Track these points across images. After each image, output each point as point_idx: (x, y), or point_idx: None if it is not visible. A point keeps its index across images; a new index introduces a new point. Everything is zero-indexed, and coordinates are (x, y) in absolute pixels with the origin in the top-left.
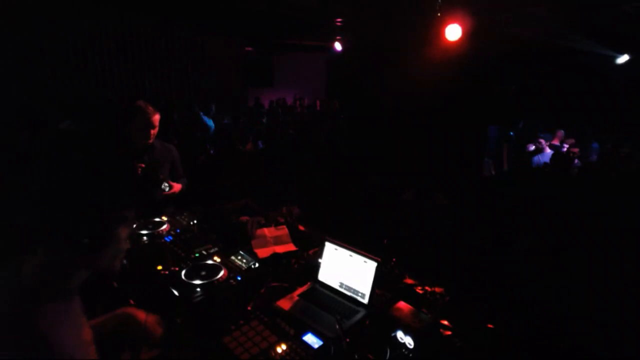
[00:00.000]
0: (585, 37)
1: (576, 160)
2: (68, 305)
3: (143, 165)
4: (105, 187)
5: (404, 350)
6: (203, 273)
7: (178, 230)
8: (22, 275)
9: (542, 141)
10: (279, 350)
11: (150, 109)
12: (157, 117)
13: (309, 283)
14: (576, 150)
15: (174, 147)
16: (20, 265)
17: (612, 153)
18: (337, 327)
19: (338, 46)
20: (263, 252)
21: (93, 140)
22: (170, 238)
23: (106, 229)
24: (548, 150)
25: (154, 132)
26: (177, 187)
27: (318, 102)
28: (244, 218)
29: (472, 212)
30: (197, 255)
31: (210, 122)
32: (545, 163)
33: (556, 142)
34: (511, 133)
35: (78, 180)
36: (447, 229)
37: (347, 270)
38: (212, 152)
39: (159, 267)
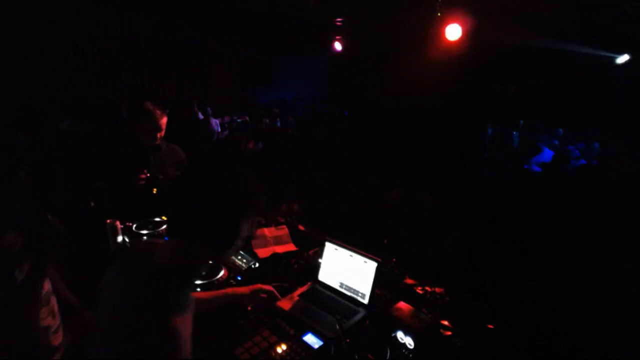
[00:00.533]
0: (585, 37)
1: (582, 160)
2: (189, 297)
3: (145, 175)
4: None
5: (404, 350)
6: (203, 273)
7: None
8: (155, 257)
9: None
10: (279, 350)
11: (158, 112)
12: (164, 120)
13: (309, 283)
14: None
15: (179, 148)
16: (152, 248)
17: (611, 153)
18: (337, 327)
19: (338, 46)
20: (263, 252)
21: (93, 140)
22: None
23: (237, 225)
24: (546, 150)
25: (160, 134)
26: None
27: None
28: None
29: (472, 211)
30: None
31: (217, 127)
32: (543, 163)
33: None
34: (515, 133)
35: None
36: (432, 226)
37: (347, 270)
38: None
39: None
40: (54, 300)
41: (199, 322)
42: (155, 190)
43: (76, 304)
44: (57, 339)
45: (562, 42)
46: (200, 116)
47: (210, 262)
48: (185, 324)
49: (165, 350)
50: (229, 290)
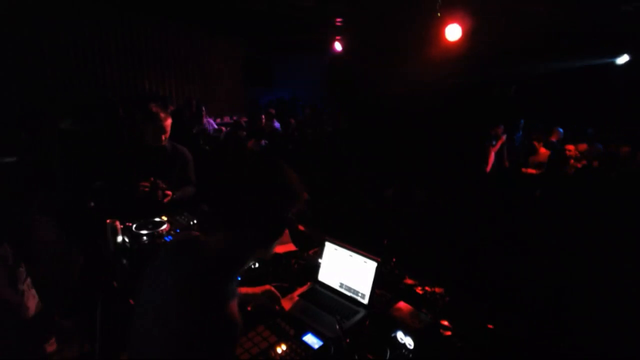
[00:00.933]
0: (585, 37)
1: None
2: (233, 293)
3: (148, 186)
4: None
5: (404, 350)
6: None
7: (178, 230)
8: (205, 250)
9: (536, 143)
10: (279, 350)
11: (162, 115)
12: (169, 122)
13: (309, 283)
14: (572, 147)
15: (186, 149)
16: (198, 242)
17: (611, 153)
18: (337, 327)
19: (338, 46)
20: None
21: (93, 140)
22: (170, 238)
23: (284, 215)
24: (542, 150)
25: (165, 135)
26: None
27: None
28: None
29: (472, 211)
30: None
31: (210, 126)
32: (540, 163)
33: (554, 139)
34: (520, 133)
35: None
36: (430, 225)
37: (347, 270)
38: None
39: None
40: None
41: None
42: (159, 197)
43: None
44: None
45: (562, 42)
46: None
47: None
48: (236, 310)
49: (230, 335)
50: (242, 289)
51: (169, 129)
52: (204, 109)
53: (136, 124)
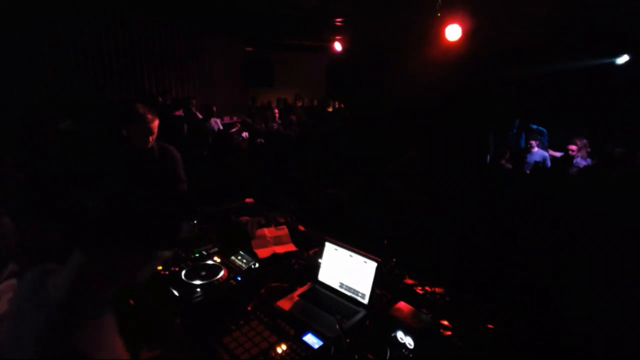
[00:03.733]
0: (585, 37)
1: (588, 160)
2: (102, 322)
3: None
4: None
5: (404, 350)
6: (203, 273)
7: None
8: (50, 289)
9: (533, 142)
10: (279, 350)
11: (149, 116)
12: (156, 123)
13: (309, 283)
14: (574, 147)
15: (174, 149)
16: (46, 277)
17: (608, 153)
18: (338, 327)
19: (338, 46)
20: (263, 252)
21: (93, 140)
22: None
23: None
24: (536, 149)
25: (152, 137)
26: None
27: (315, 102)
28: (244, 218)
29: (472, 211)
30: (197, 255)
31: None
32: (535, 162)
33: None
34: (523, 134)
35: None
36: (426, 225)
37: (347, 270)
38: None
39: (159, 267)
40: None
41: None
42: None
43: None
44: None
45: (562, 42)
46: (215, 120)
47: None
48: (108, 348)
49: None
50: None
51: (156, 130)
52: (214, 108)
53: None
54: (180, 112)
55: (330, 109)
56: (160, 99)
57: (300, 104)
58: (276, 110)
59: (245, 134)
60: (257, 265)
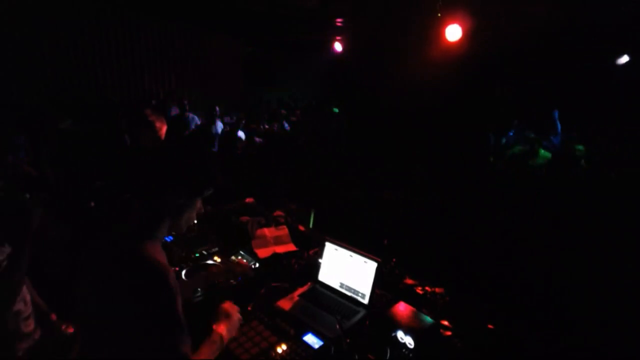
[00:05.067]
0: (585, 37)
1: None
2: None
3: None
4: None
5: (404, 350)
6: (203, 273)
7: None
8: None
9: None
10: (279, 350)
11: (158, 124)
12: (164, 130)
13: (309, 283)
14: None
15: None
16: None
17: (610, 153)
18: (338, 327)
19: (338, 46)
20: (263, 252)
21: (93, 140)
22: (171, 238)
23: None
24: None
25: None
26: None
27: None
28: (244, 218)
29: (472, 211)
30: (197, 255)
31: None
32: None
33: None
34: (512, 132)
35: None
36: (426, 225)
37: (347, 270)
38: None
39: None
40: (25, 287)
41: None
42: None
43: (43, 306)
44: (28, 327)
45: (562, 42)
46: (220, 124)
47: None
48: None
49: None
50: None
51: (163, 137)
52: (217, 109)
53: (129, 128)
54: (176, 111)
55: (330, 109)
56: (154, 102)
57: (300, 104)
58: (283, 111)
59: (241, 133)
60: (257, 265)
